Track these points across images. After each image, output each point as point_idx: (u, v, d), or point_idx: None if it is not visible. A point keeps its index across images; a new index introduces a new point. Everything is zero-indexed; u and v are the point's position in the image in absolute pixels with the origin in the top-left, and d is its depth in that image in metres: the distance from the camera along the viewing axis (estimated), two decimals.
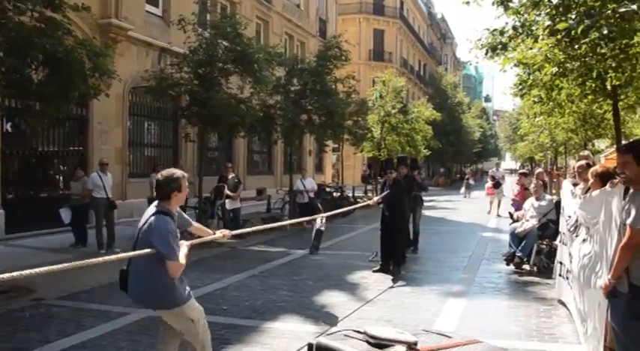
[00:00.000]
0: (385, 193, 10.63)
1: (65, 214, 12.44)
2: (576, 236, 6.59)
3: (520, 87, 11.68)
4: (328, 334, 3.61)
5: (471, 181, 37.88)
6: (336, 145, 31.13)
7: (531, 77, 9.16)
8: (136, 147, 18.85)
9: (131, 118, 18.35)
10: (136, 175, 18.23)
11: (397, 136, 31.55)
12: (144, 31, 18.14)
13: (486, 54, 9.08)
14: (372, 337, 3.43)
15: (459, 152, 52.01)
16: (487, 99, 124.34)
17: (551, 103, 12.10)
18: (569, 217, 7.29)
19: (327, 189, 23.85)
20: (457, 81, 60.34)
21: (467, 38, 11.23)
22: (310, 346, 3.64)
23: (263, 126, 17.56)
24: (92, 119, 16.39)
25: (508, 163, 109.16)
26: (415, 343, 3.31)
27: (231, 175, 15.54)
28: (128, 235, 13.66)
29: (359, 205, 11.29)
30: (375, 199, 10.76)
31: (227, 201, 14.92)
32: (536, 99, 11.62)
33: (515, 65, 8.73)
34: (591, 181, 6.04)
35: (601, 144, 21.19)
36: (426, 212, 23.70)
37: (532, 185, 11.34)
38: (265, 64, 14.32)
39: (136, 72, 16.93)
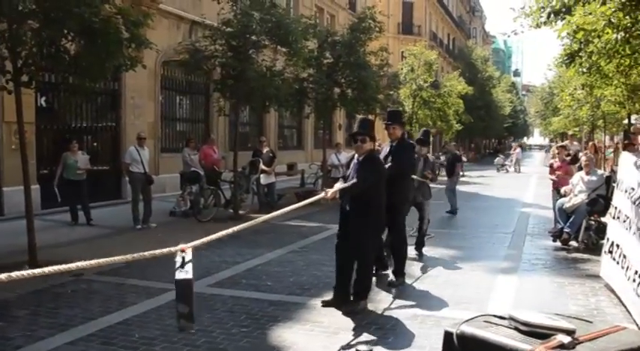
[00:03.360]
0: (349, 183, 6.31)
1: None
2: None
3: (567, 57, 11.19)
4: (466, 321, 3.22)
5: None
6: None
7: (590, 45, 8.66)
8: (168, 121, 18.75)
9: (163, 92, 18.24)
10: (168, 149, 18.17)
11: (429, 111, 31.08)
12: (174, 3, 17.91)
13: (548, 17, 8.64)
14: (523, 324, 3.01)
15: (489, 127, 51.26)
16: (516, 73, 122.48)
17: (597, 75, 11.62)
18: (633, 189, 6.91)
19: None
20: (487, 55, 59.19)
21: (511, 7, 10.72)
22: (449, 334, 3.19)
23: (295, 100, 17.24)
24: (125, 93, 16.28)
25: (536, 138, 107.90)
26: (574, 331, 2.92)
27: (265, 150, 15.34)
28: (161, 210, 13.62)
29: (305, 202, 6.56)
30: (332, 190, 6.24)
31: (262, 175, 14.74)
32: (584, 69, 11.11)
33: (574, 31, 8.26)
34: None
35: None
36: (460, 188, 23.34)
37: (583, 159, 10.92)
38: (300, 36, 13.95)
39: (167, 45, 16.70)
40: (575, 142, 17.70)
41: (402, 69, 31.41)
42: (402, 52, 39.96)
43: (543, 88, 50.96)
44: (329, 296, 6.61)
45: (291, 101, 16.16)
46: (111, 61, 8.39)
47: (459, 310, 6.33)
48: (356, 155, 6.60)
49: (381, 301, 6.82)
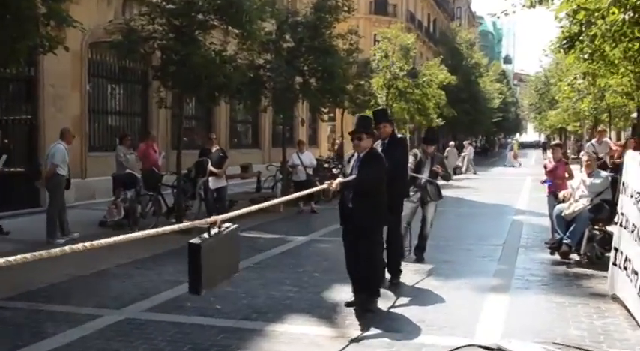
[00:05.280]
0: (349, 178, 7.25)
1: None
2: None
3: (565, 41, 11.32)
4: None
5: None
6: (332, 115, 30.75)
7: (592, 27, 8.70)
8: (97, 115, 18.49)
9: (91, 80, 18.01)
10: (97, 148, 17.93)
11: (405, 104, 31.28)
12: None
13: None
14: None
15: (475, 122, 51.70)
16: (507, 60, 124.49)
17: (601, 61, 11.75)
18: (639, 193, 6.97)
19: (325, 165, 23.55)
20: (473, 39, 59.86)
21: None
22: None
23: (250, 90, 17.14)
24: (43, 80, 15.91)
25: (530, 135, 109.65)
26: None
27: (214, 149, 15.12)
28: (90, 220, 13.37)
29: (307, 191, 8.61)
30: (337, 182, 7.13)
31: (210, 179, 14.53)
32: (586, 56, 11.24)
33: (574, 11, 8.29)
34: None
35: None
36: (443, 192, 23.52)
37: (584, 159, 11.00)
38: (256, 16, 13.84)
39: (95, 24, 16.43)
40: (605, 139, 16.78)
41: (374, 55, 31.58)
42: (375, 35, 40.11)
43: (538, 77, 51.87)
44: (290, 320, 6.97)
45: (244, 92, 16.06)
46: (24, 41, 8.18)
47: (443, 335, 6.28)
48: (356, 153, 7.43)
49: (350, 325, 6.76)
